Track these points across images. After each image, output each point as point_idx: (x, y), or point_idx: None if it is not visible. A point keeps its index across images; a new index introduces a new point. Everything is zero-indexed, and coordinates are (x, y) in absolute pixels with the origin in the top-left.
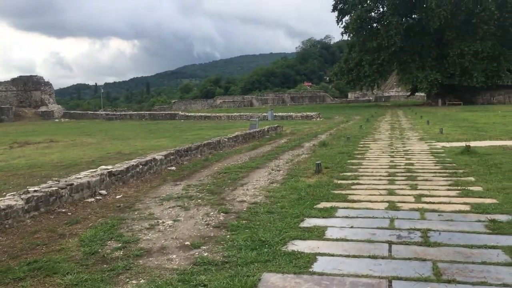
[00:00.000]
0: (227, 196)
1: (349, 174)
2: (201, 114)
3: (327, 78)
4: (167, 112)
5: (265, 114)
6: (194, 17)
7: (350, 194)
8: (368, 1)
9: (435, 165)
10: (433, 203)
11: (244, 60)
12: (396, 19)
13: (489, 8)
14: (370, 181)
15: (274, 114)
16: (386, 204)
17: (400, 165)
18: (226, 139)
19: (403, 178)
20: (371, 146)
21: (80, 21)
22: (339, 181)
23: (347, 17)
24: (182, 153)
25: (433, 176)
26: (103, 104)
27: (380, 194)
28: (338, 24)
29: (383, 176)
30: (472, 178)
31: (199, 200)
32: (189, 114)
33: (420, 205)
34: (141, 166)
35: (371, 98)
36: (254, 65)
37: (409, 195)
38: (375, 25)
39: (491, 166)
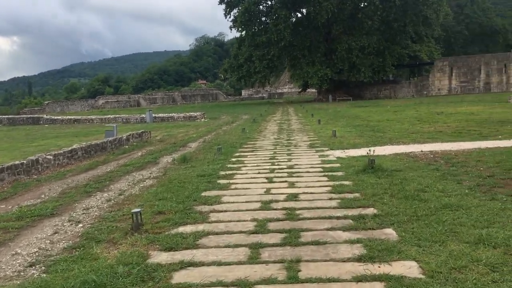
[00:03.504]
0: None
1: (189, 230)
2: (71, 117)
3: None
4: (29, 116)
5: (143, 116)
6: (80, 12)
7: None
8: None
9: (330, 200)
10: None
11: (137, 58)
12: (284, 13)
13: (373, 2)
14: (216, 254)
15: (155, 115)
16: None
17: (278, 201)
18: (51, 157)
19: (277, 242)
20: (246, 161)
21: None
22: (158, 259)
23: (235, 10)
24: None
25: (328, 230)
26: None
27: None
28: (226, 18)
29: (244, 234)
30: (393, 235)
31: None
32: (56, 117)
33: None
34: None
35: (264, 95)
36: (148, 63)
37: None
38: (264, 18)
39: (412, 198)
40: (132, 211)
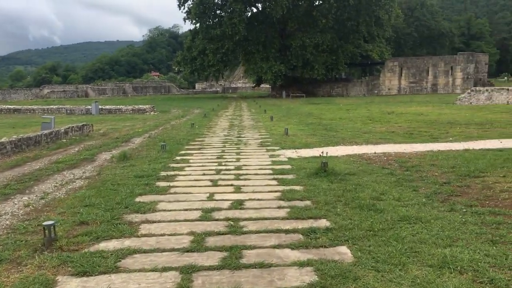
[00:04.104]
0: None
1: (112, 247)
2: (10, 106)
3: (176, 68)
4: None
5: (89, 107)
6: None
7: None
8: None
9: (279, 208)
10: None
11: (88, 47)
12: (239, 7)
13: (328, 0)
14: (139, 282)
15: (101, 106)
16: None
17: (221, 210)
18: None
19: (214, 264)
20: (192, 160)
21: None
22: None
23: (189, 2)
24: None
25: (275, 247)
26: None
27: None
28: (180, 9)
29: (177, 253)
30: (348, 255)
31: None
32: None
33: None
34: None
35: (218, 89)
36: (99, 53)
37: None
38: (219, 11)
39: (367, 208)
40: (44, 223)
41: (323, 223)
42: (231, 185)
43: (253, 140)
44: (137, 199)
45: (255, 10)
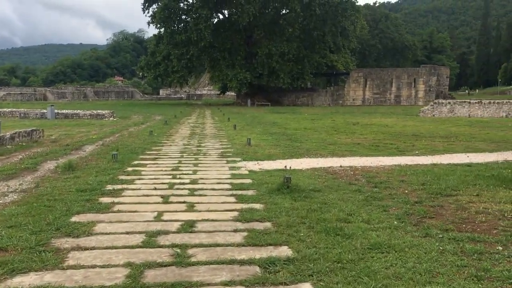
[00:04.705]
0: None
1: (27, 284)
2: None
3: (140, 74)
4: None
5: (44, 110)
6: None
7: None
8: None
9: (235, 232)
10: None
11: (50, 49)
12: (205, 12)
13: (295, 9)
14: None
15: (58, 111)
16: None
17: (168, 233)
18: None
19: None
20: (144, 172)
21: None
22: None
23: (154, 6)
24: None
25: (227, 285)
26: None
27: None
28: (144, 13)
29: None
30: None
31: None
32: None
33: None
34: None
35: (183, 95)
36: (61, 55)
37: None
38: (184, 17)
39: (334, 232)
40: None
41: (284, 251)
42: (184, 202)
43: (214, 150)
44: (73, 219)
45: (221, 16)
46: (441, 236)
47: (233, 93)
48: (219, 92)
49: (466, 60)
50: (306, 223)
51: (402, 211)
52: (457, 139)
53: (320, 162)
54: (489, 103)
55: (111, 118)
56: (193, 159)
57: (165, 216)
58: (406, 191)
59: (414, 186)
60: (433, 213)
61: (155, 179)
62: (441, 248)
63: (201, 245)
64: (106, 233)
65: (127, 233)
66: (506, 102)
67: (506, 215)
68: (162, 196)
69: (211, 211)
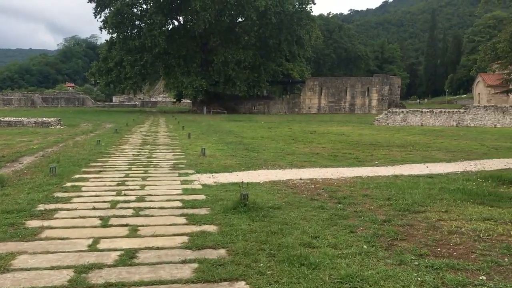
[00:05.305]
0: None
1: None
2: None
3: (92, 80)
4: None
5: None
6: None
7: None
8: None
9: (183, 264)
10: None
11: None
12: (160, 19)
13: (251, 17)
14: None
15: (1, 118)
16: None
17: (102, 268)
18: None
19: None
20: (85, 188)
21: None
22: None
23: (106, 11)
24: None
25: None
26: None
27: None
28: (96, 18)
29: None
30: None
31: None
32: None
33: None
34: None
35: (137, 103)
36: (9, 61)
37: None
38: (138, 22)
39: (298, 262)
40: None
41: (241, 282)
42: (126, 224)
43: (165, 162)
44: None
45: (176, 23)
46: (417, 263)
47: (188, 101)
48: (174, 100)
49: (415, 70)
50: (266, 250)
51: (371, 232)
52: (414, 148)
53: (279, 174)
54: (440, 112)
55: (58, 126)
56: (142, 171)
57: (102, 244)
58: (372, 208)
59: (379, 202)
60: (404, 234)
61: (95, 196)
62: (419, 279)
63: (141, 284)
64: (26, 269)
65: (52, 268)
66: (456, 111)
67: (481, 235)
68: (101, 218)
69: (157, 236)
